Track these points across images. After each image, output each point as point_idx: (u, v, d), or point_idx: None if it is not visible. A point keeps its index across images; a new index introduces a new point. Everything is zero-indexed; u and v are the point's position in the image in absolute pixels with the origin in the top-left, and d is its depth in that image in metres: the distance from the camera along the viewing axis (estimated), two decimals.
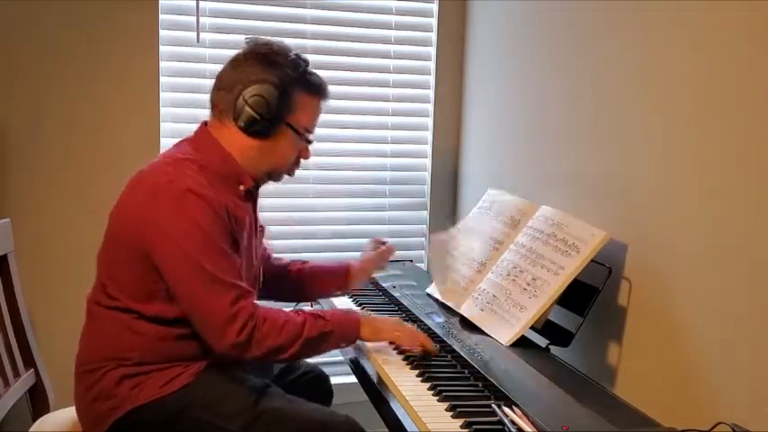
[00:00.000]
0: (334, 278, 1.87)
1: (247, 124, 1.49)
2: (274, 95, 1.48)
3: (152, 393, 1.43)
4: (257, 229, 1.67)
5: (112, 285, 1.46)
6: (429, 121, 2.63)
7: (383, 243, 1.95)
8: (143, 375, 1.45)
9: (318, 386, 1.82)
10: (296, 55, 1.53)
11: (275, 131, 1.51)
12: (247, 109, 1.47)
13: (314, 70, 1.56)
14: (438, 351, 1.56)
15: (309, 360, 1.87)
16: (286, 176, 1.64)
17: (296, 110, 1.52)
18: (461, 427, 1.22)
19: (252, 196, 1.60)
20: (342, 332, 1.50)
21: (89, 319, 1.52)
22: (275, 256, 1.88)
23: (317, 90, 1.56)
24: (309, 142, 1.61)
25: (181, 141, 1.58)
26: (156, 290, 1.43)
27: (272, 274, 1.81)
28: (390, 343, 1.59)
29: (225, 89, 1.51)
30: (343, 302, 1.99)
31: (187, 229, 1.38)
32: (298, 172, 2.46)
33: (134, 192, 1.46)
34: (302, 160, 1.63)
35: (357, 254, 2.53)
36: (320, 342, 1.47)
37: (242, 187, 1.54)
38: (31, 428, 1.64)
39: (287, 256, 1.92)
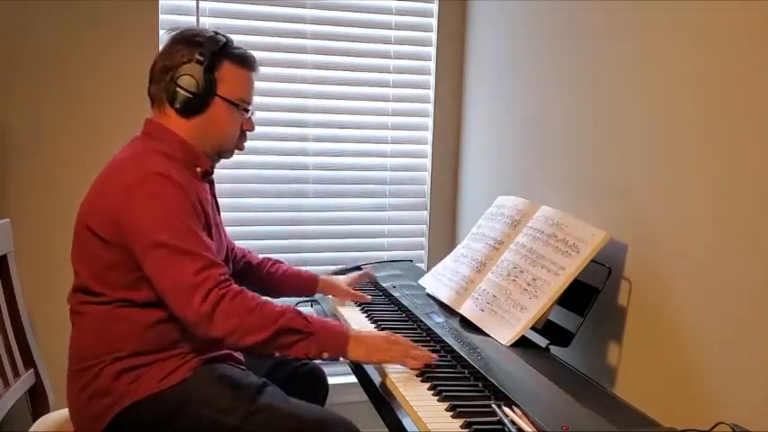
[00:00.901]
0: (303, 284, 1.95)
1: (182, 105, 1.53)
2: (200, 71, 1.52)
3: (150, 388, 1.44)
4: (219, 210, 1.72)
5: (95, 282, 1.47)
6: (429, 121, 2.63)
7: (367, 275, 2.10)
8: (141, 368, 1.45)
9: (314, 380, 1.84)
10: (215, 32, 1.59)
11: (209, 106, 1.55)
12: (179, 90, 1.52)
13: (239, 46, 1.61)
14: (436, 359, 1.49)
15: None
16: (237, 152, 1.68)
17: (224, 82, 1.56)
18: (461, 427, 1.22)
19: (208, 177, 1.64)
20: (324, 339, 1.43)
21: (76, 320, 1.52)
22: (242, 247, 1.94)
23: (241, 61, 1.60)
24: (248, 112, 1.64)
25: (131, 141, 1.60)
26: (142, 276, 1.44)
27: (242, 270, 1.87)
28: None
29: (159, 79, 1.55)
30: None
31: (150, 207, 1.41)
32: (298, 172, 2.52)
33: (107, 190, 1.47)
34: (248, 133, 1.67)
35: (357, 254, 2.56)
36: (294, 339, 1.41)
37: (199, 169, 1.58)
38: (31, 428, 1.64)
39: (278, 256, 2.00)
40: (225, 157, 1.67)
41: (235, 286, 1.42)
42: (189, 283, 1.37)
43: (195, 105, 1.54)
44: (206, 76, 1.53)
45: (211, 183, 1.67)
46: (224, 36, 1.59)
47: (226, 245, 1.71)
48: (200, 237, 1.44)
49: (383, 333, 1.55)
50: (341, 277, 2.03)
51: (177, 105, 1.53)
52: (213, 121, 1.57)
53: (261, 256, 1.96)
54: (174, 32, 1.59)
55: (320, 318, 1.53)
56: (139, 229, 1.40)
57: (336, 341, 1.45)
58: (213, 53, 1.54)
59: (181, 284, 1.38)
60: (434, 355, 1.49)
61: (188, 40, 1.55)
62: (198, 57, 1.52)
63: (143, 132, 1.59)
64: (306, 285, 1.96)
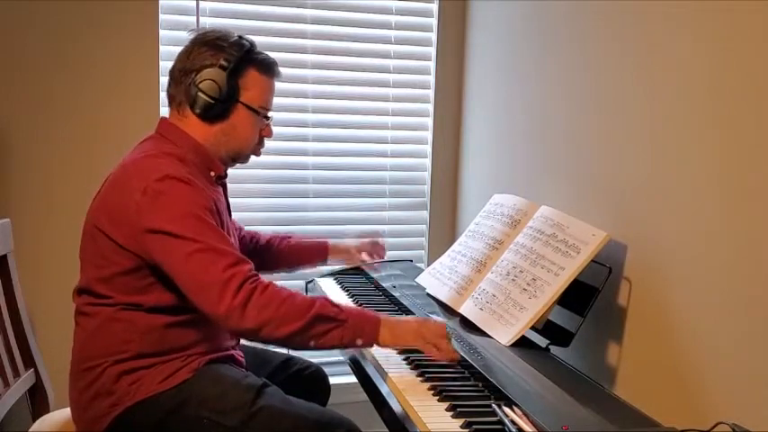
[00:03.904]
0: (314, 252, 1.98)
1: (203, 110, 1.52)
2: (224, 77, 1.51)
3: (151, 389, 1.44)
4: (231, 213, 1.71)
5: (103, 286, 1.46)
6: (429, 121, 2.63)
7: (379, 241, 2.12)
8: (142, 370, 1.45)
9: (316, 382, 1.83)
10: (239, 36, 1.57)
11: (231, 113, 1.55)
12: (201, 95, 1.51)
13: (261, 50, 1.60)
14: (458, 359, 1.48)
15: (308, 356, 1.88)
16: (253, 157, 1.68)
17: (247, 89, 1.56)
18: (461, 427, 1.22)
19: (221, 181, 1.64)
20: (358, 325, 1.41)
21: (81, 320, 1.52)
22: (249, 229, 1.96)
23: (264, 67, 1.59)
24: (268, 119, 1.64)
25: (143, 141, 1.58)
26: (153, 281, 1.44)
27: (252, 252, 1.88)
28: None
29: (179, 80, 1.55)
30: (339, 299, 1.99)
31: (170, 207, 1.40)
32: (298, 172, 2.52)
33: (121, 192, 1.44)
34: (266, 139, 1.67)
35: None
36: (328, 327, 1.38)
37: (213, 173, 1.58)
38: (31, 428, 1.64)
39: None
40: (240, 162, 1.65)
41: (263, 280, 1.40)
42: (219, 279, 1.35)
43: (217, 111, 1.53)
44: (229, 83, 1.51)
45: (224, 186, 1.66)
46: (248, 41, 1.57)
47: (237, 247, 1.71)
48: (223, 233, 1.43)
49: (414, 319, 1.53)
50: (350, 241, 2.07)
51: (198, 110, 1.52)
52: (234, 127, 1.56)
53: (268, 234, 1.98)
54: (197, 33, 1.57)
55: (351, 306, 1.53)
56: (161, 229, 1.38)
57: (370, 327, 1.42)
58: (238, 59, 1.52)
59: (211, 281, 1.35)
60: (457, 355, 1.47)
61: (212, 44, 1.53)
62: (222, 62, 1.51)
63: (157, 132, 1.58)
64: (317, 253, 1.99)
